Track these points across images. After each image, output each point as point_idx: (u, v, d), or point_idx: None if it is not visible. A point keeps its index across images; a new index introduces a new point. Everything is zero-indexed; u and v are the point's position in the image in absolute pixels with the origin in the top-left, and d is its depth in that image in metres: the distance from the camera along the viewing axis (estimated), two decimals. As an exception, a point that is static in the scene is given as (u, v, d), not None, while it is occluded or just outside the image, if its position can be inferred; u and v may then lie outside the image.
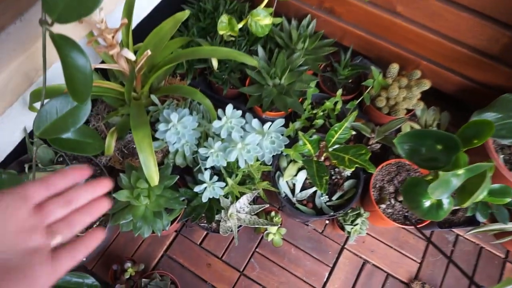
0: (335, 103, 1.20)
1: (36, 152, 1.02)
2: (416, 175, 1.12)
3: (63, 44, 0.64)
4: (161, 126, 0.87)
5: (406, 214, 1.08)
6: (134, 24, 1.16)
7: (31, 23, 0.77)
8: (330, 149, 0.93)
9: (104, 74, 1.09)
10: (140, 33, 0.99)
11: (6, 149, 0.99)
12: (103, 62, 1.06)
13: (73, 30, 0.85)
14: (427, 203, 0.85)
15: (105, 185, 0.34)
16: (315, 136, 0.93)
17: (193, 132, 0.92)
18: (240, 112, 0.89)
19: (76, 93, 0.66)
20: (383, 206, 1.08)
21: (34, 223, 0.29)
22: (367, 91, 1.20)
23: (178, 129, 0.87)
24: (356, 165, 0.90)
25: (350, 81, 1.31)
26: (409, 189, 0.89)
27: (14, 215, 0.28)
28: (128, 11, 0.94)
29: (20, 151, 1.01)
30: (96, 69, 1.14)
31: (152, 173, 0.83)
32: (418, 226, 1.03)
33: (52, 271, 0.28)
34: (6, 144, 0.97)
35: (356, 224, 1.09)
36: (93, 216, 0.33)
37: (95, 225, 1.01)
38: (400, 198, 1.08)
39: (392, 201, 1.09)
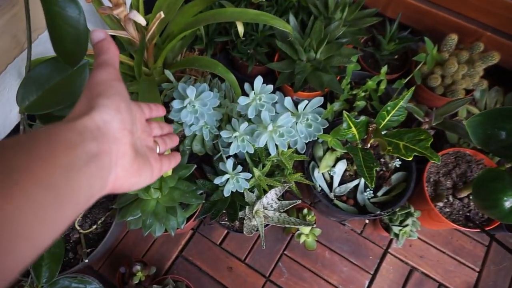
0: (379, 82, 1.02)
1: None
2: (479, 168, 0.93)
3: (47, -12, 0.49)
4: (176, 103, 0.71)
5: (468, 214, 0.90)
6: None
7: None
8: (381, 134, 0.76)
9: (112, 47, 0.95)
10: (153, 4, 0.84)
11: (1, 131, 0.86)
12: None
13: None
14: (508, 203, 0.67)
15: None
16: (362, 117, 0.75)
17: (213, 112, 0.77)
18: (271, 86, 0.72)
19: (66, 53, 0.51)
20: (440, 204, 0.89)
21: (148, 130, 0.36)
22: (417, 68, 1.01)
23: (196, 107, 0.71)
24: (415, 154, 0.72)
25: (395, 57, 1.12)
26: (483, 184, 0.71)
27: (138, 118, 0.34)
28: (137, -35, 0.79)
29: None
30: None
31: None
32: (486, 228, 0.84)
33: (159, 168, 0.35)
34: (0, 125, 0.84)
35: (406, 225, 0.91)
36: (174, 143, 0.42)
37: (100, 221, 0.87)
38: (461, 195, 0.90)
39: (450, 198, 0.91)
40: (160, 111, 0.41)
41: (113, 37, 0.98)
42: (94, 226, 0.86)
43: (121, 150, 0.28)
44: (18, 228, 0.18)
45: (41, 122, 0.59)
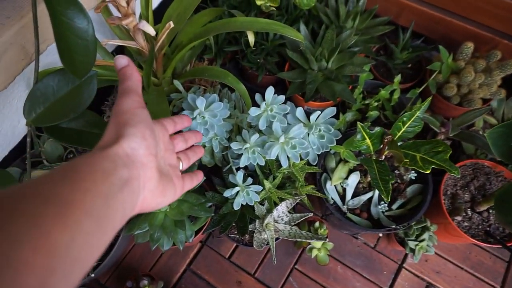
0: (392, 92, 1.00)
1: (43, 146, 0.88)
2: (498, 180, 0.89)
3: (56, -2, 0.48)
4: (195, 113, 0.69)
5: (488, 229, 0.86)
6: (156, 2, 1.01)
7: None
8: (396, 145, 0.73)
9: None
10: (163, 14, 0.83)
11: (10, 142, 0.85)
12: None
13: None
14: (533, 218, 0.63)
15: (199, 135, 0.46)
16: (377, 128, 0.73)
17: (223, 123, 0.75)
18: (282, 97, 0.70)
19: (74, 65, 0.50)
20: (458, 218, 0.86)
21: (171, 148, 0.39)
22: (432, 77, 0.98)
23: (206, 118, 0.69)
24: (432, 166, 0.69)
25: (408, 66, 1.10)
26: (507, 198, 0.67)
27: (161, 138, 0.36)
28: (147, -26, 0.78)
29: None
30: (112, 52, 0.99)
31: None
32: (508, 244, 0.80)
33: (181, 186, 0.37)
34: (9, 136, 0.83)
35: (422, 240, 0.88)
36: (198, 156, 0.44)
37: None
38: (480, 209, 0.86)
39: (469, 212, 0.87)
40: (185, 122, 0.43)
41: (122, 47, 0.97)
42: (101, 239, 0.85)
43: (148, 174, 0.31)
44: (73, 254, 0.21)
45: (48, 134, 0.58)
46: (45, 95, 0.56)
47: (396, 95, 0.99)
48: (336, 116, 0.76)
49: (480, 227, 0.86)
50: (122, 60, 0.35)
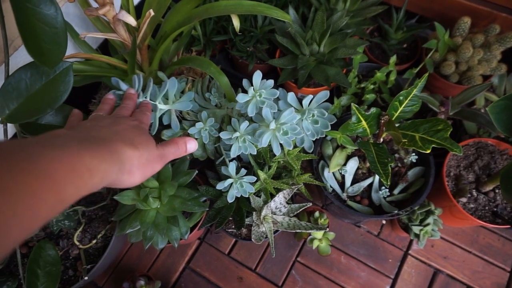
0: (388, 73, 0.96)
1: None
2: (503, 159, 0.86)
3: (18, -17, 0.45)
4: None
5: (495, 209, 0.82)
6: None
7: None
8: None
9: (106, 53, 0.91)
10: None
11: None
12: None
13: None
14: (542, 194, 0.60)
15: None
16: (373, 109, 0.69)
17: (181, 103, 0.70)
18: (271, 81, 0.67)
19: (43, 54, 0.47)
20: (463, 200, 0.82)
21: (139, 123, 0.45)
22: (428, 55, 0.95)
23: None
24: (433, 146, 0.66)
25: (404, 46, 1.06)
26: (513, 175, 0.64)
27: (154, 168, 0.40)
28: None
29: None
30: (96, 48, 0.96)
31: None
32: (516, 225, 0.77)
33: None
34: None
35: (427, 225, 0.85)
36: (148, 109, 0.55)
37: (99, 235, 0.83)
38: (486, 189, 0.83)
39: (474, 193, 0.84)
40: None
41: (106, 41, 0.94)
42: (94, 241, 0.82)
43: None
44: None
45: (24, 131, 0.55)
46: (18, 90, 0.53)
47: (392, 77, 0.96)
48: (330, 101, 0.72)
49: (486, 208, 0.83)
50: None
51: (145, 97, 0.61)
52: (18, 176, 0.23)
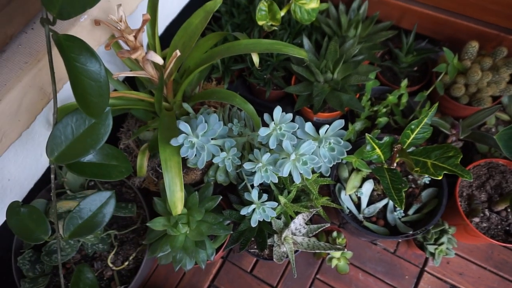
0: (400, 96, 1.01)
1: (66, 177, 0.92)
2: (514, 178, 0.89)
3: (69, 46, 0.52)
4: (180, 138, 0.71)
5: (508, 228, 0.85)
6: (162, 27, 1.04)
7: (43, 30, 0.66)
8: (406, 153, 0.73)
9: (133, 85, 0.98)
10: (170, 39, 0.86)
11: (34, 175, 0.89)
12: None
13: (89, 35, 0.73)
14: (551, 218, 0.63)
15: None
16: (386, 138, 0.74)
17: (214, 143, 0.75)
18: (290, 115, 0.72)
19: (89, 106, 0.53)
20: (476, 219, 0.85)
21: None
22: (438, 78, 0.98)
23: (194, 141, 0.70)
24: (444, 172, 0.70)
25: (414, 69, 1.10)
26: (522, 200, 0.67)
27: None
28: (152, 7, 0.81)
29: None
30: (124, 81, 1.03)
31: (177, 199, 0.69)
32: (529, 244, 0.80)
33: None
34: (33, 169, 0.87)
35: (441, 243, 0.88)
36: None
37: (131, 257, 0.88)
38: (498, 208, 0.86)
39: (487, 212, 0.87)
40: None
41: (133, 77, 1.00)
42: (126, 263, 0.88)
43: None
44: None
45: (69, 169, 0.61)
46: (65, 134, 0.59)
47: (404, 99, 1.00)
48: (345, 126, 0.77)
49: (499, 227, 0.86)
50: None
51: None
52: None
